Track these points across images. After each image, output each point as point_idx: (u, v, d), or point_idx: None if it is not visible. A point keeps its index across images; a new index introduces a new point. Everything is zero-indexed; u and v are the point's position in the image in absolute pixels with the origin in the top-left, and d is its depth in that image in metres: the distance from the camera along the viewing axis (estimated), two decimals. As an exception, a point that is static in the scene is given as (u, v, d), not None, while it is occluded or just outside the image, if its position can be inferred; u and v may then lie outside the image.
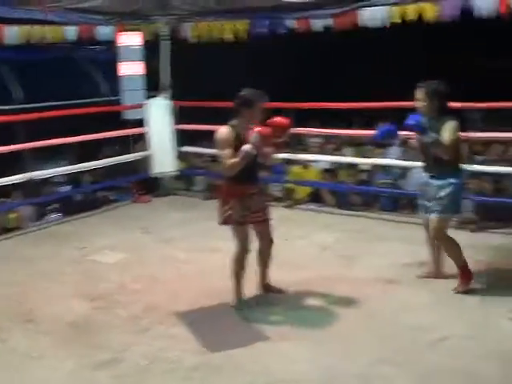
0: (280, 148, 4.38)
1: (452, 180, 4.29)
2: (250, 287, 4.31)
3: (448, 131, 4.21)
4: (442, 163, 4.26)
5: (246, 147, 3.89)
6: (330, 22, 6.58)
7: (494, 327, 3.82)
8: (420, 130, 4.22)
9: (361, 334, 3.78)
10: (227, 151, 3.95)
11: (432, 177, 4.38)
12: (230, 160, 3.94)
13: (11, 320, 4.11)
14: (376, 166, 7.03)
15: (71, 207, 6.98)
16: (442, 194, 4.29)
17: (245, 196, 4.07)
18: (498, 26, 6.32)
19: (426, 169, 4.46)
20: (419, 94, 4.30)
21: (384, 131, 4.51)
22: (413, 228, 5.93)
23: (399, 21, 6.10)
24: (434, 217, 4.34)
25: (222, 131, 4.01)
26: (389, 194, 6.82)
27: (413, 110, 4.36)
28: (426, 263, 4.72)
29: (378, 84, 8.83)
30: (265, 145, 3.97)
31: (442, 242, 4.43)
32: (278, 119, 4.07)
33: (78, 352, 3.64)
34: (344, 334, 3.79)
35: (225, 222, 4.11)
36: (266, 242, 4.28)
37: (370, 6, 6.28)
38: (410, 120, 4.22)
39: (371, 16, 6.26)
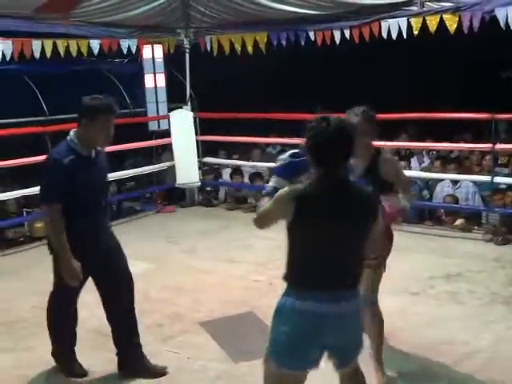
0: None
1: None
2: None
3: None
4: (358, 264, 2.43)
5: None
6: (348, 33, 6.61)
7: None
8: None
9: (385, 349, 3.72)
10: None
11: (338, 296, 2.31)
12: None
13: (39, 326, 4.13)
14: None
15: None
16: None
17: None
18: None
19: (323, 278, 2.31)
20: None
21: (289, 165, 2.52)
22: (437, 240, 5.95)
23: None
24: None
25: None
26: (413, 206, 6.78)
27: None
28: (452, 276, 4.68)
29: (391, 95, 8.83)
30: None
31: None
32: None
33: (104, 358, 3.65)
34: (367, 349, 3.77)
35: None
36: None
37: (390, 18, 6.32)
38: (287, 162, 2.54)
39: (391, 27, 6.29)
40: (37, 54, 6.44)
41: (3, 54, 6.13)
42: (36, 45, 6.40)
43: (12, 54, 6.23)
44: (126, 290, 3.49)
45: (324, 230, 2.26)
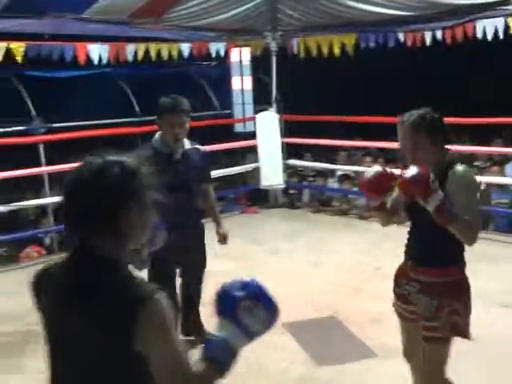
0: None
1: None
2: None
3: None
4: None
5: None
6: (440, 34, 6.44)
7: None
8: None
9: (469, 362, 3.46)
10: None
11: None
12: None
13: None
14: (491, 185, 6.59)
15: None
16: None
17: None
18: None
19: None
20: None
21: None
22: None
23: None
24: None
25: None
26: (505, 214, 6.51)
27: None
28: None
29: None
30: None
31: None
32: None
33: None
34: (451, 360, 3.65)
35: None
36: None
37: (485, 18, 6.09)
38: None
39: (487, 28, 6.07)
40: (130, 58, 6.71)
41: (100, 58, 6.44)
42: (130, 49, 6.68)
43: (108, 57, 6.53)
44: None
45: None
